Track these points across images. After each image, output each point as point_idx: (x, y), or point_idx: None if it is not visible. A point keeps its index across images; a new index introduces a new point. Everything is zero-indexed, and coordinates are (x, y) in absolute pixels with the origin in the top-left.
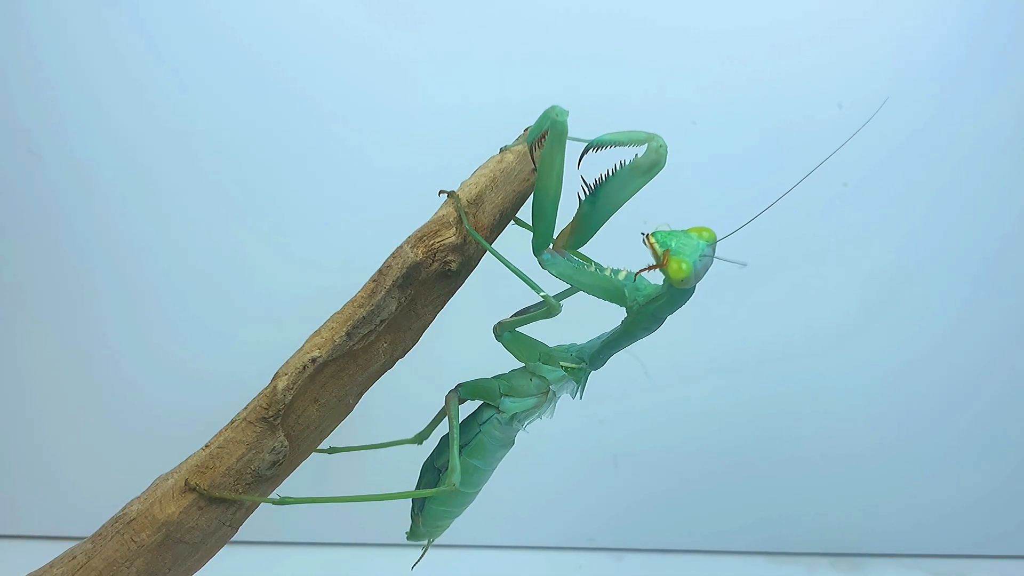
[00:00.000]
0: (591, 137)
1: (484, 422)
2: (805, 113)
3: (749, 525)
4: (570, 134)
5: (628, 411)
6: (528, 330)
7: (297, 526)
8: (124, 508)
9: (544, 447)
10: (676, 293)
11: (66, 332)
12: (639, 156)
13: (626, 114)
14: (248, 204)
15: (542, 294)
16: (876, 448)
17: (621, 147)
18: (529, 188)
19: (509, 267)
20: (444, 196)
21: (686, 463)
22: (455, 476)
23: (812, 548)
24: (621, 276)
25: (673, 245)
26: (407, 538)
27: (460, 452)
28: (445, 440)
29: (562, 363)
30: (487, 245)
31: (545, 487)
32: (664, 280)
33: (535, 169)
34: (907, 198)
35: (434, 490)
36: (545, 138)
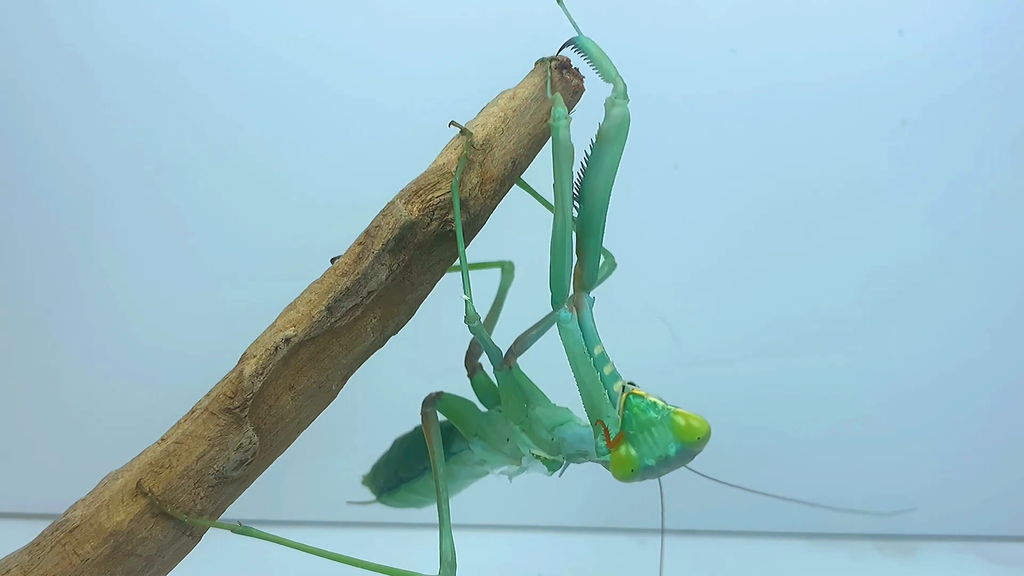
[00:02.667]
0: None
1: (453, 453)
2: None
3: (786, 505)
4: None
5: (651, 382)
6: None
7: (284, 507)
8: (66, 512)
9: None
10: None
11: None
12: (602, 123)
13: (657, 42)
14: (222, 139)
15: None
16: (926, 425)
17: (593, 65)
18: (547, 131)
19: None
20: (453, 133)
21: (717, 437)
22: (448, 563)
23: (856, 530)
24: (608, 399)
25: (634, 428)
26: (361, 481)
27: (423, 472)
28: (411, 444)
29: (534, 452)
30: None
31: None
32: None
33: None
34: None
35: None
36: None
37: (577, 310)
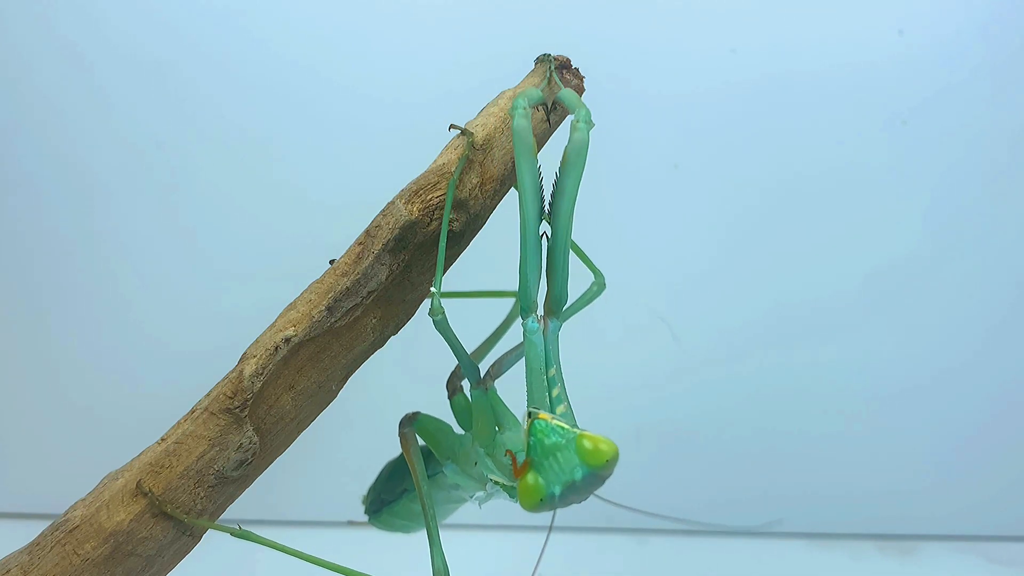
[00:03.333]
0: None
1: (431, 475)
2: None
3: (786, 505)
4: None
5: (652, 382)
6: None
7: (284, 507)
8: (66, 512)
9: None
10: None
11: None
12: (565, 148)
13: (657, 41)
14: (223, 137)
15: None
16: (926, 424)
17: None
18: (547, 131)
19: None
20: (454, 133)
21: (716, 437)
22: None
23: (856, 530)
24: (523, 427)
25: (539, 455)
26: (361, 500)
27: (402, 495)
28: (395, 466)
29: (492, 477)
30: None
31: None
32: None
33: (552, 109)
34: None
35: None
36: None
37: (542, 333)
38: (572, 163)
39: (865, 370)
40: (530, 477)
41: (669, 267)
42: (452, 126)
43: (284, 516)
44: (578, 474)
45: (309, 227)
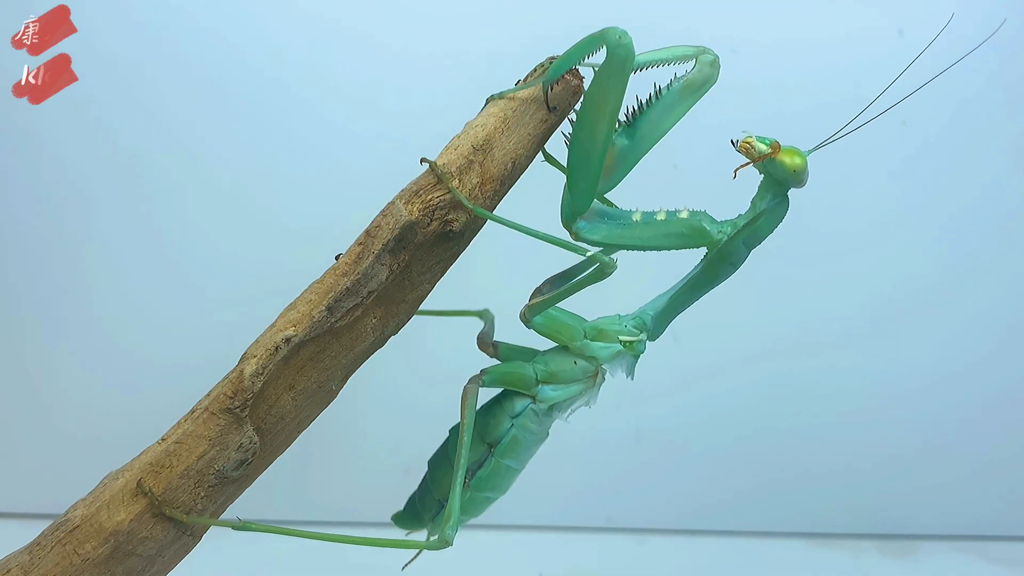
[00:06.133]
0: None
1: (518, 415)
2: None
3: (786, 504)
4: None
5: (652, 382)
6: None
7: (285, 506)
8: (67, 512)
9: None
10: (777, 206)
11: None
12: (688, 73)
13: (657, 41)
14: (208, 155)
15: (588, 254)
16: (927, 425)
17: (663, 65)
18: (547, 131)
19: (533, 233)
20: (454, 133)
21: (716, 437)
22: (449, 526)
23: (857, 530)
24: (684, 216)
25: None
26: (394, 522)
27: (492, 452)
28: (452, 438)
29: (621, 337)
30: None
31: (561, 463)
32: (759, 194)
33: (551, 109)
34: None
35: (424, 543)
36: (595, 71)
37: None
38: (697, 90)
39: (866, 371)
40: (789, 148)
41: (669, 268)
42: (423, 160)
43: (284, 516)
44: (802, 160)
45: (309, 228)
